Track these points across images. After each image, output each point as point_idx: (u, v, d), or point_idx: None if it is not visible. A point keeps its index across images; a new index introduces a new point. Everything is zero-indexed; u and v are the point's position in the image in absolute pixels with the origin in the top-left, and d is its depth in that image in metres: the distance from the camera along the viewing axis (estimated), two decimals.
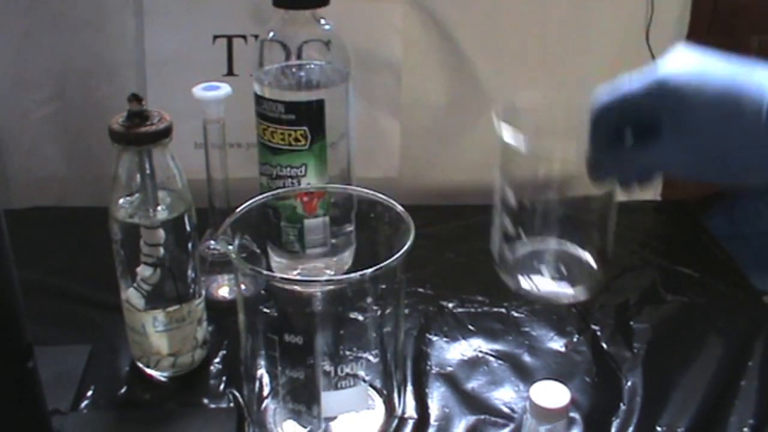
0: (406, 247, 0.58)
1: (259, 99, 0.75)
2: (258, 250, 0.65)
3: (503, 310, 0.80)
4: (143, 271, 0.65)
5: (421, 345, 0.75)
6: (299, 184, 0.76)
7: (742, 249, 0.95)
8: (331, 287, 0.63)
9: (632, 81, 0.50)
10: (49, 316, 0.76)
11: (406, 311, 0.77)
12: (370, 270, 0.56)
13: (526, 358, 0.74)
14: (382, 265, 0.56)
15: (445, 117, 1.01)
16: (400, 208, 0.63)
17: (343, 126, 0.77)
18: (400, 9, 0.95)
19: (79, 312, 0.79)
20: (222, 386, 0.70)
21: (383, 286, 0.62)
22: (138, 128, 0.62)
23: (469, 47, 0.97)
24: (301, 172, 0.75)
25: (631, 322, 0.79)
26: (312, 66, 0.76)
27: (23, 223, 0.87)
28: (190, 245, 0.67)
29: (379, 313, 0.63)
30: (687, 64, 0.49)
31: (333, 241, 0.78)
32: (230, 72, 0.94)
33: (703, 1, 1.06)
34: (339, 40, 0.76)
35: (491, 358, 0.74)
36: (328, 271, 0.79)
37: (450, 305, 0.81)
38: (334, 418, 0.63)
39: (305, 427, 0.63)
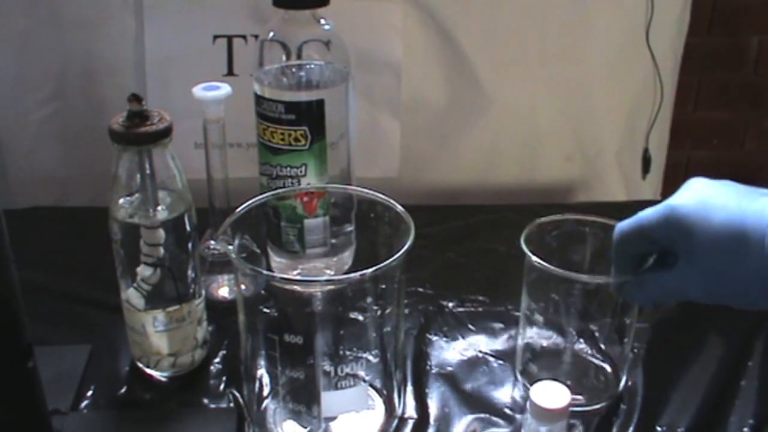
0: (406, 247, 0.58)
1: (259, 99, 0.75)
2: (258, 250, 0.65)
3: (503, 310, 0.80)
4: (143, 271, 0.65)
5: (421, 345, 0.75)
6: (299, 184, 0.76)
7: None
8: (331, 287, 0.63)
9: (649, 211, 0.54)
10: (49, 316, 0.75)
11: (406, 311, 0.77)
12: (370, 270, 0.56)
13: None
14: (382, 265, 0.56)
15: (445, 117, 1.01)
16: (400, 208, 0.63)
17: (343, 126, 0.77)
18: (400, 9, 0.95)
19: (79, 312, 0.79)
20: (222, 386, 0.70)
21: (383, 286, 0.62)
22: (138, 128, 0.62)
23: (469, 47, 0.97)
24: (301, 172, 0.75)
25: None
26: (312, 66, 0.76)
27: (23, 223, 0.87)
28: (190, 245, 0.67)
29: (379, 313, 0.63)
30: (696, 194, 0.52)
31: (333, 241, 0.78)
32: (230, 72, 0.94)
33: (703, 1, 1.06)
34: (339, 40, 0.76)
35: (491, 358, 0.74)
36: (328, 271, 0.79)
37: (450, 305, 0.81)
38: (334, 418, 0.63)
39: (305, 427, 0.63)
